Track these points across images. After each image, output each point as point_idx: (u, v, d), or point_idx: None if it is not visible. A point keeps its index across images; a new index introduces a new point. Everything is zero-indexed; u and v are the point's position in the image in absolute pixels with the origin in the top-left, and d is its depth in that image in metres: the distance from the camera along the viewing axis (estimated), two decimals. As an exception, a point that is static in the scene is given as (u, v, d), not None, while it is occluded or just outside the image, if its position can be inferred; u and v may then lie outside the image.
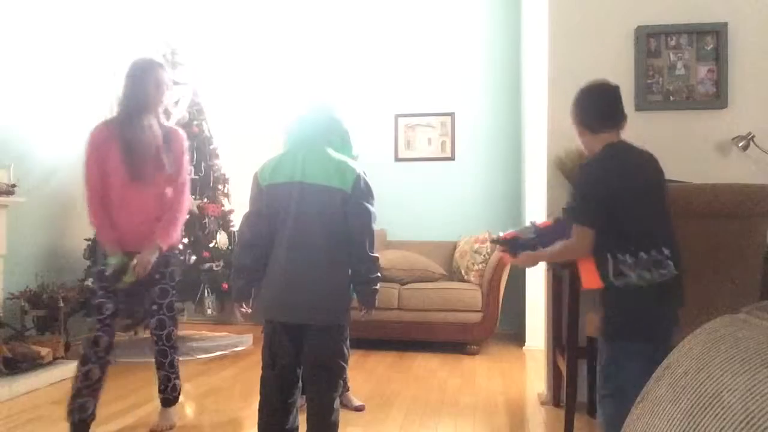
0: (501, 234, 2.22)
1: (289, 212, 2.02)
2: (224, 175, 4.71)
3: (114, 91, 3.37)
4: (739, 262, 2.14)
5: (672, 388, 0.63)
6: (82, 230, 4.14)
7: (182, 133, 2.74)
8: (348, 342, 2.16)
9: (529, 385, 3.59)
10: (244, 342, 4.70)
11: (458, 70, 5.28)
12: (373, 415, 3.00)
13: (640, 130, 2.60)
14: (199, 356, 4.31)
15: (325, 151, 2.09)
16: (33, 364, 3.52)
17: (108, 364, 2.58)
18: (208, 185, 4.53)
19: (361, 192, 2.03)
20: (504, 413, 3.04)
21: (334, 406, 2.04)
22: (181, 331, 4.87)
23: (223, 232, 4.54)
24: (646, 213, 1.91)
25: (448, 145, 5.32)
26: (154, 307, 2.67)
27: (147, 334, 3.34)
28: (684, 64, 3.02)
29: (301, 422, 2.09)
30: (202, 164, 4.49)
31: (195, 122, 4.52)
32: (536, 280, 4.17)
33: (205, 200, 4.47)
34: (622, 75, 2.98)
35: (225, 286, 4.22)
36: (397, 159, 5.38)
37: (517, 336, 4.81)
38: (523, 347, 4.54)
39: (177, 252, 2.76)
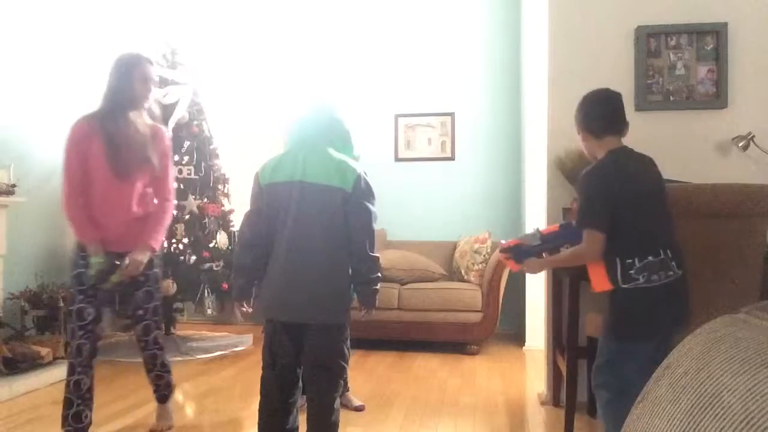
0: (503, 242, 2.23)
1: (290, 212, 2.02)
2: (224, 175, 4.71)
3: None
4: (739, 262, 2.14)
5: (672, 388, 0.63)
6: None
7: (166, 130, 2.66)
8: (348, 342, 2.16)
9: (529, 385, 3.59)
10: (244, 342, 4.70)
11: (458, 70, 5.28)
12: (373, 415, 3.00)
13: (640, 130, 2.60)
14: (199, 356, 4.30)
15: (326, 151, 2.09)
16: (33, 364, 3.52)
17: (92, 369, 2.47)
18: (208, 185, 4.52)
19: (362, 191, 2.03)
20: (504, 413, 3.04)
21: (335, 406, 2.04)
22: (181, 331, 4.89)
23: (223, 232, 4.54)
24: (650, 216, 1.96)
25: (448, 145, 5.31)
26: (140, 312, 2.57)
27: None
28: (684, 64, 3.02)
29: (301, 422, 2.09)
30: (202, 164, 4.49)
31: (195, 122, 4.52)
32: (536, 280, 4.17)
33: (205, 200, 4.47)
34: (622, 75, 2.99)
35: (225, 286, 4.23)
36: (397, 159, 5.37)
37: (517, 336, 4.81)
38: (523, 347, 4.54)
39: (159, 254, 2.62)
